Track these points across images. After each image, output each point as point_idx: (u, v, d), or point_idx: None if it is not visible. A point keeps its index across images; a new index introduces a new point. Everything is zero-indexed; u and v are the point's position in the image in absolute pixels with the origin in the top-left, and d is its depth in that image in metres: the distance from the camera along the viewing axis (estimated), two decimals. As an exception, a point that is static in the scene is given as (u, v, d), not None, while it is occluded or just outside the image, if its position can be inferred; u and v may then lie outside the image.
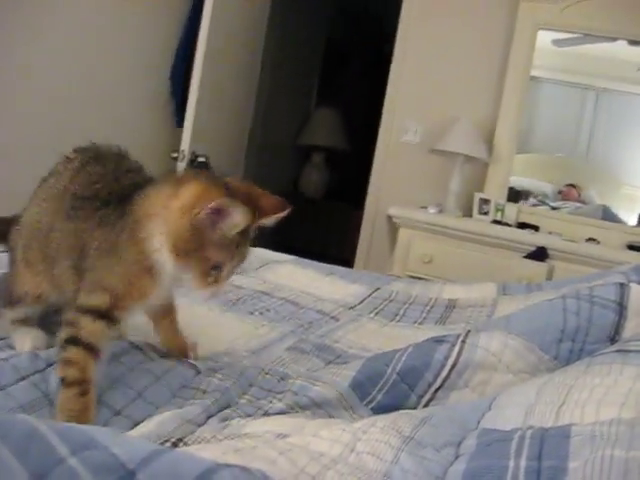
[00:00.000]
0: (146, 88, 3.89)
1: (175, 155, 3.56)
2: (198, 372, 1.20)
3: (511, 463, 0.75)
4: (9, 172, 2.97)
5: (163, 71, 3.97)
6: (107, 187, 1.12)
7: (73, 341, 1.03)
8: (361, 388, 1.12)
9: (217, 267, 1.04)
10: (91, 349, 1.03)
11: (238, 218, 1.00)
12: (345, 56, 6.96)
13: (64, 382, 1.01)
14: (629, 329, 1.20)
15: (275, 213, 1.09)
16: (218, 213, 0.99)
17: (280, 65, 5.59)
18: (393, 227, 3.88)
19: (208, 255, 1.02)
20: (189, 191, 1.02)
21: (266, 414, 1.07)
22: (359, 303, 2.01)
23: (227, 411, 1.08)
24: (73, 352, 1.02)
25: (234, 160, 4.52)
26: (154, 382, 1.15)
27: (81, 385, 1.00)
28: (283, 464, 0.75)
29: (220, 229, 1.01)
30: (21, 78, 3.04)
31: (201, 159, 3.62)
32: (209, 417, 1.06)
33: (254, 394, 1.16)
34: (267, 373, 1.23)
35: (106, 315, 1.04)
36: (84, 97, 3.41)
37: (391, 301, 2.06)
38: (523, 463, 0.74)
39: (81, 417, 0.98)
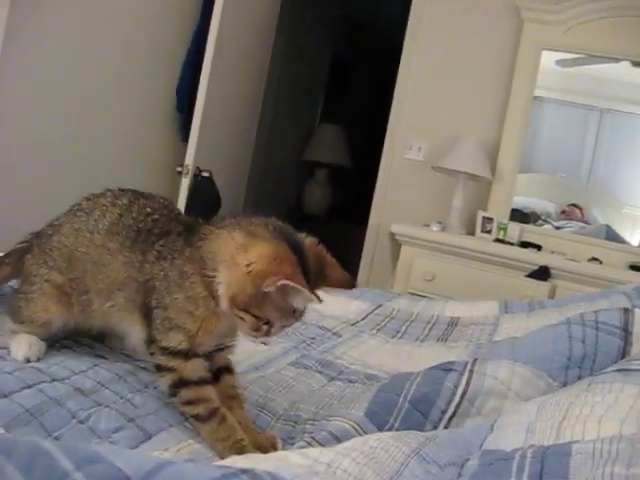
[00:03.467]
0: (152, 102, 3.91)
1: (180, 169, 3.58)
2: None
3: (513, 483, 0.75)
4: (9, 185, 2.98)
5: (169, 86, 3.99)
6: (162, 220, 1.15)
7: (181, 384, 1.07)
8: (377, 417, 1.12)
9: (269, 322, 1.04)
10: (200, 383, 1.07)
11: (302, 302, 1.02)
12: (350, 73, 6.99)
13: (200, 419, 1.05)
14: (635, 355, 1.20)
15: (339, 287, 1.10)
16: (286, 290, 0.99)
17: (285, 81, 5.61)
18: (396, 244, 3.89)
19: (264, 314, 1.03)
20: (262, 255, 1.02)
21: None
22: (361, 319, 2.01)
23: None
24: (188, 393, 1.07)
25: (238, 175, 4.54)
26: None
27: (215, 415, 1.05)
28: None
29: (285, 302, 1.01)
30: (25, 92, 3.06)
31: (205, 174, 3.64)
32: None
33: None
34: (279, 419, 1.21)
35: (188, 353, 1.07)
36: (90, 111, 3.43)
37: (393, 318, 2.07)
38: (524, 483, 0.75)
39: (232, 438, 1.03)
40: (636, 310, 1.42)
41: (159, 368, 1.09)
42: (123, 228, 1.15)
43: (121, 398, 1.11)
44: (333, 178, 6.56)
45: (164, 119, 4.02)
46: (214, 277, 1.05)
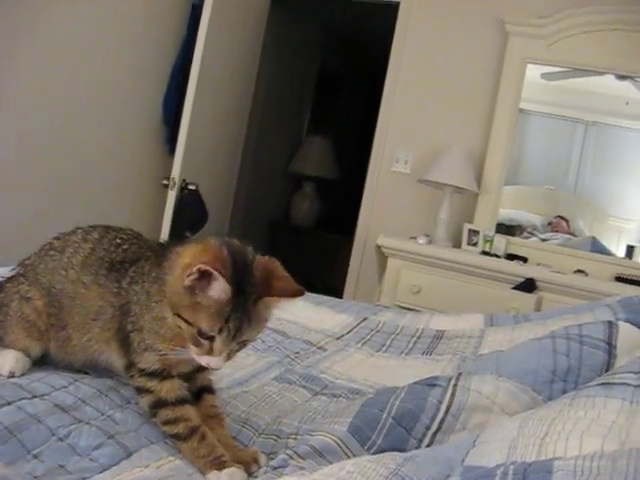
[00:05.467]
0: (138, 115, 3.91)
1: (166, 182, 3.57)
2: None
3: (494, 500, 0.75)
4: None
5: (156, 98, 3.98)
6: (133, 248, 1.18)
7: (160, 405, 1.09)
8: (360, 433, 1.11)
9: (210, 338, 1.03)
10: (178, 402, 1.09)
11: (216, 288, 1.00)
12: (337, 85, 7.01)
13: (179, 437, 1.07)
14: (618, 368, 1.20)
15: (286, 297, 1.08)
16: (204, 278, 0.99)
17: (272, 93, 5.62)
18: (382, 257, 3.89)
19: (196, 320, 1.02)
20: (190, 251, 1.05)
21: (270, 467, 1.05)
22: (346, 333, 2.01)
23: None
24: (167, 413, 1.08)
25: (225, 188, 4.53)
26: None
27: (195, 433, 1.06)
28: None
29: (205, 294, 1.01)
30: (12, 106, 3.05)
31: (191, 187, 3.63)
32: None
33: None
34: (261, 433, 1.21)
35: (162, 373, 1.09)
36: (76, 124, 3.42)
37: (378, 331, 2.06)
38: (506, 499, 0.74)
39: (213, 454, 1.04)
40: (620, 323, 1.43)
41: (139, 390, 1.11)
42: (96, 260, 1.17)
43: (102, 414, 1.10)
44: (320, 190, 6.56)
45: (150, 131, 4.01)
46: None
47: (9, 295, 1.23)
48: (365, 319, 2.19)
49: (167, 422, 1.08)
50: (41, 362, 1.24)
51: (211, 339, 1.03)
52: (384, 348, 1.89)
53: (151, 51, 3.89)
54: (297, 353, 1.71)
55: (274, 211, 6.37)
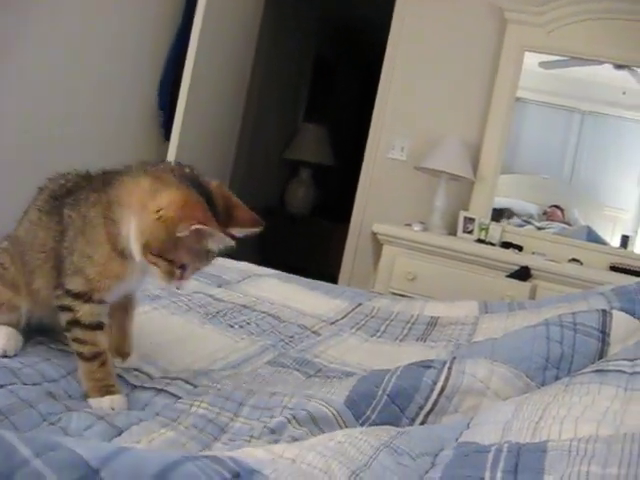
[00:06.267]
0: (134, 100, 3.89)
1: (161, 167, 3.55)
2: (178, 398, 1.16)
3: (487, 474, 0.75)
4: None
5: (151, 84, 3.96)
6: (76, 182, 1.19)
7: (75, 323, 1.12)
8: (355, 407, 1.11)
9: (183, 266, 1.08)
10: (94, 327, 1.13)
11: (216, 244, 1.05)
12: (333, 72, 6.99)
13: (82, 357, 1.12)
14: (612, 356, 1.20)
15: (248, 227, 1.12)
16: (200, 234, 1.03)
17: (268, 80, 5.61)
18: (377, 244, 3.89)
19: (178, 258, 1.06)
20: (172, 200, 1.04)
21: (266, 428, 1.04)
22: (341, 318, 2.00)
23: (225, 436, 1.05)
24: (79, 333, 1.13)
25: (220, 174, 4.51)
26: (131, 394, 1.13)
27: (98, 357, 1.12)
28: (261, 453, 0.75)
29: (199, 245, 1.05)
30: (7, 90, 3.03)
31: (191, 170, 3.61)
32: (205, 445, 1.02)
33: (247, 415, 1.11)
34: (255, 393, 1.19)
35: (89, 298, 1.11)
36: (71, 111, 3.40)
37: (373, 317, 2.06)
38: (499, 475, 0.75)
39: (105, 382, 1.11)
40: (614, 312, 1.43)
41: (61, 308, 1.13)
42: (43, 199, 1.20)
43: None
44: (316, 177, 6.55)
45: (146, 117, 3.99)
46: (119, 222, 1.08)
47: None
48: (360, 305, 2.19)
49: (76, 340, 1.13)
50: (28, 338, 1.24)
51: (183, 267, 1.08)
52: (378, 334, 1.89)
53: (146, 37, 3.86)
54: (291, 337, 1.70)
55: (269, 198, 6.35)
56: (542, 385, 1.18)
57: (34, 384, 1.09)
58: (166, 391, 1.18)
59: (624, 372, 1.02)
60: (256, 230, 1.12)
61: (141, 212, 1.05)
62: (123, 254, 1.10)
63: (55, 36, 3.23)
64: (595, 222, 4.03)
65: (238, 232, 1.10)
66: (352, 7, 5.83)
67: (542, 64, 4.02)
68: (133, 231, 1.07)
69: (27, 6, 3.03)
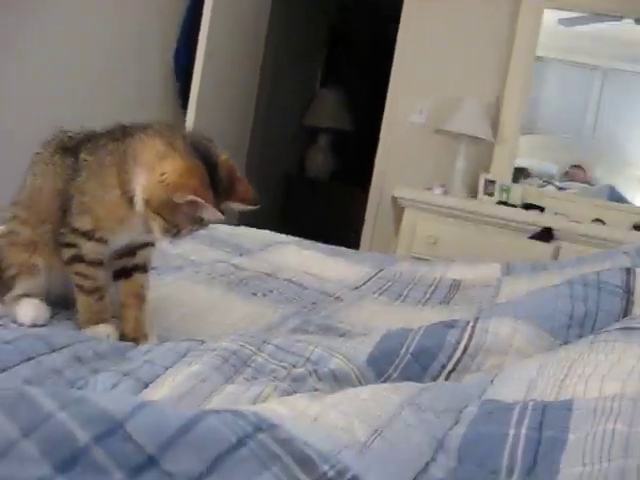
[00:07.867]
0: (150, 70, 3.88)
1: (179, 137, 3.56)
2: (202, 341, 1.16)
3: (512, 431, 0.75)
4: (9, 158, 2.96)
5: (167, 53, 3.95)
6: (95, 134, 1.24)
7: (77, 259, 1.20)
8: (377, 365, 1.12)
9: (177, 226, 1.15)
10: (95, 263, 1.21)
11: (207, 215, 1.12)
12: (350, 36, 6.91)
13: (83, 290, 1.21)
14: (637, 314, 1.20)
15: (242, 202, 1.19)
16: (194, 203, 1.09)
17: (284, 45, 5.56)
18: (398, 208, 3.87)
19: (174, 220, 1.13)
20: (175, 168, 1.11)
21: (289, 375, 1.04)
22: (363, 284, 2.00)
23: (248, 370, 1.04)
24: (82, 267, 1.20)
25: (239, 141, 4.51)
26: (156, 346, 1.14)
27: (97, 292, 1.21)
28: (283, 409, 0.76)
29: (193, 212, 1.12)
30: (23, 56, 3.04)
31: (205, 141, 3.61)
32: (227, 378, 1.02)
33: (271, 353, 1.11)
34: (279, 337, 1.20)
35: (93, 236, 1.18)
36: (88, 81, 3.40)
37: (395, 281, 2.06)
38: (523, 432, 0.75)
39: (101, 316, 1.21)
40: (638, 270, 1.42)
41: (66, 245, 1.20)
42: (52, 154, 1.23)
43: (116, 364, 1.10)
44: (335, 142, 6.52)
45: (162, 86, 3.99)
46: (130, 174, 1.15)
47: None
48: (382, 270, 2.19)
49: (78, 274, 1.21)
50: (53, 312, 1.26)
51: (178, 227, 1.15)
52: (401, 298, 1.89)
53: (161, 7, 3.84)
54: (314, 304, 1.70)
55: (289, 164, 6.34)
56: (565, 344, 1.17)
57: (61, 349, 1.09)
58: (191, 339, 1.19)
59: (649, 330, 1.01)
60: (251, 208, 1.19)
61: (149, 171, 1.13)
62: (130, 201, 1.15)
63: (68, 4, 3.22)
64: (618, 181, 3.98)
65: (236, 207, 1.18)
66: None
67: (562, 21, 3.95)
68: (139, 185, 1.14)
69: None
